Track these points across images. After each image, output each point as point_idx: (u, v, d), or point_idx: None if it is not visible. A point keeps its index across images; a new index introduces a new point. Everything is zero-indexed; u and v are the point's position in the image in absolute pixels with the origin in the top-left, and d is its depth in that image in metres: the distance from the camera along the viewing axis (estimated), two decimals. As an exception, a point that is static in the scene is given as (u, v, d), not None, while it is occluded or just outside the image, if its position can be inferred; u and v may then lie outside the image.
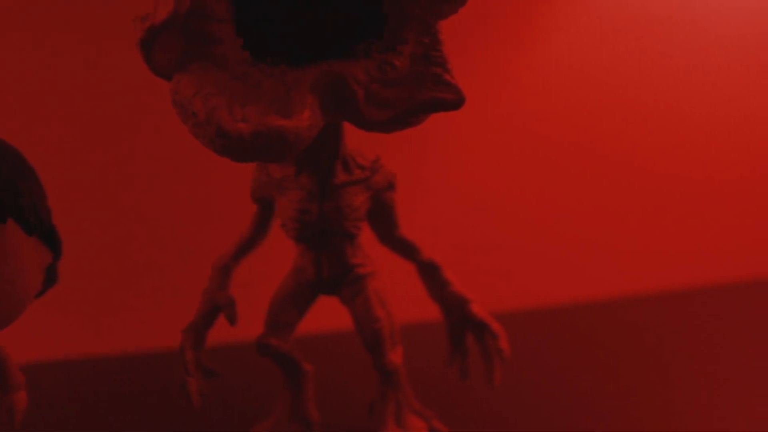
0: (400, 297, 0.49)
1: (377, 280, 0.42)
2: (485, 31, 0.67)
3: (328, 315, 0.49)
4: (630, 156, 0.71)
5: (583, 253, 0.71)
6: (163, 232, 0.63)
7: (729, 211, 0.75)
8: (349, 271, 0.41)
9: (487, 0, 0.66)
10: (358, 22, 0.37)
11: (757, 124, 0.74)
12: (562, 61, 0.69)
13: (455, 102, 0.35)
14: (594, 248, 0.72)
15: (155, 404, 0.51)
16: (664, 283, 0.72)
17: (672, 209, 0.73)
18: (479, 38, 0.67)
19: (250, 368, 0.51)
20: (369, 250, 0.43)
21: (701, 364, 0.55)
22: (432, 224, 0.68)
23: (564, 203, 0.71)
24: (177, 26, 0.34)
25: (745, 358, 0.55)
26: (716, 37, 0.71)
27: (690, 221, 0.74)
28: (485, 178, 0.69)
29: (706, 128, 0.73)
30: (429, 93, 0.35)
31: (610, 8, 0.68)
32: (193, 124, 0.35)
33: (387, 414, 0.43)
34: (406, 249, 0.44)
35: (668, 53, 0.71)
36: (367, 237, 0.44)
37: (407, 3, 0.36)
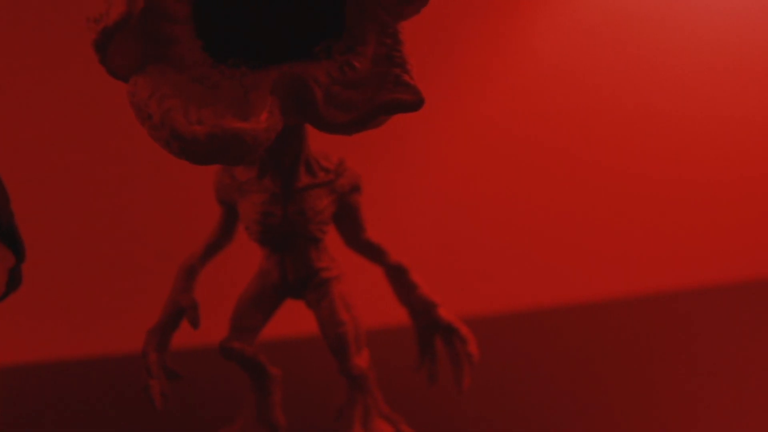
0: (371, 300, 0.49)
1: (342, 284, 0.42)
2: (466, 30, 0.67)
3: (297, 318, 0.49)
4: (612, 157, 0.71)
5: (564, 256, 0.71)
6: (137, 234, 0.63)
7: (713, 213, 0.74)
8: (314, 275, 0.41)
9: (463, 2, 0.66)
10: (320, 23, 0.37)
11: (744, 126, 0.74)
12: (545, 61, 0.68)
13: (414, 103, 0.35)
14: (575, 251, 0.72)
15: (120, 407, 0.51)
16: (646, 286, 0.72)
17: (655, 211, 0.73)
18: (460, 38, 0.67)
19: (218, 372, 0.51)
20: (337, 253, 0.43)
21: (681, 368, 0.55)
22: (411, 226, 0.68)
23: (544, 205, 0.70)
24: (132, 27, 0.34)
25: (727, 361, 0.55)
26: (702, 36, 0.71)
27: (674, 223, 0.74)
28: (465, 179, 0.69)
29: (691, 129, 0.73)
30: (388, 94, 0.35)
31: (593, 9, 0.68)
32: (150, 127, 0.35)
33: (354, 418, 0.43)
34: (373, 252, 0.43)
35: (653, 53, 0.70)
36: (334, 240, 0.44)
37: (369, 4, 0.36)
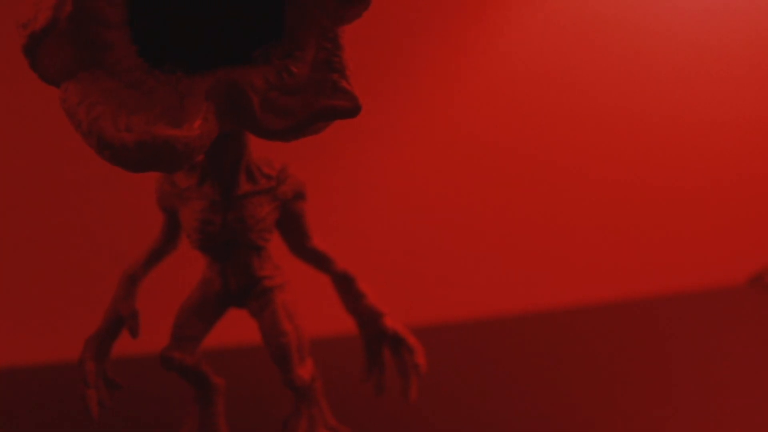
0: (322, 307, 0.49)
1: (286, 293, 0.42)
2: (432, 30, 0.67)
3: (244, 327, 0.49)
4: (583, 161, 0.72)
5: (533, 262, 0.72)
6: (88, 240, 0.64)
7: (684, 219, 0.75)
8: (257, 284, 0.42)
9: (430, 3, 0.66)
10: (259, 27, 0.38)
11: (722, 129, 0.74)
12: (513, 62, 0.69)
13: (351, 110, 0.36)
14: (544, 257, 0.72)
15: (61, 417, 0.52)
16: (616, 292, 0.72)
17: (627, 216, 0.73)
18: (426, 38, 0.67)
19: (164, 381, 0.51)
20: (286, 260, 0.44)
21: (654, 376, 0.55)
22: (377, 232, 0.68)
23: (512, 210, 0.71)
24: (62, 32, 0.35)
25: (704, 366, 0.56)
26: (677, 36, 0.71)
27: (647, 229, 0.74)
28: (432, 184, 0.69)
29: (665, 132, 0.73)
30: (325, 100, 0.36)
31: (563, 9, 0.69)
32: (81, 134, 0.35)
33: (298, 430, 0.43)
34: (318, 260, 0.44)
35: (625, 54, 0.71)
36: (282, 247, 0.44)
37: (309, 8, 0.37)
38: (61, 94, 0.36)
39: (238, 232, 0.40)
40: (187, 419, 0.44)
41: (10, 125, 0.61)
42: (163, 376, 0.49)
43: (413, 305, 0.63)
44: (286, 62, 0.37)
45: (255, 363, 0.56)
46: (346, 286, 0.44)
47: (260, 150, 0.52)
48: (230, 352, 0.58)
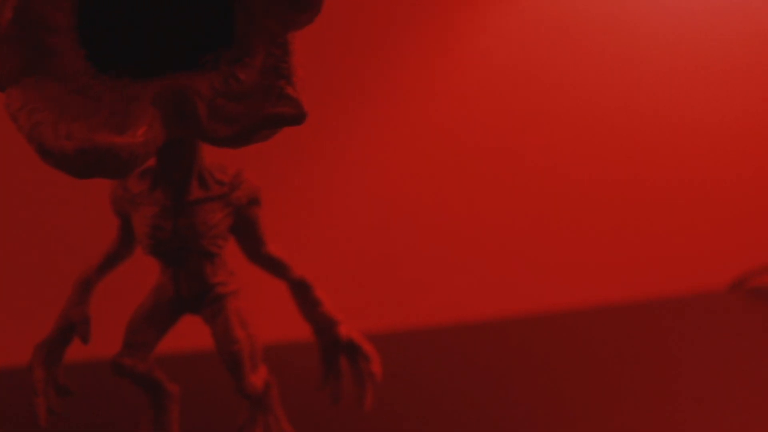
0: (283, 313, 0.50)
1: (239, 300, 0.43)
2: (411, 27, 0.67)
3: (200, 333, 0.50)
4: (564, 162, 0.72)
5: (507, 265, 0.72)
6: (60, 242, 0.64)
7: (665, 225, 0.75)
8: (209, 291, 0.42)
9: (409, 1, 0.66)
10: (209, 32, 0.38)
11: (699, 132, 0.74)
12: (485, 65, 0.69)
13: (295, 117, 0.36)
14: (518, 260, 0.72)
15: (14, 422, 0.52)
16: (592, 298, 0.73)
17: (603, 221, 0.74)
18: (404, 35, 0.67)
19: (118, 387, 0.52)
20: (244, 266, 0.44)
21: (629, 382, 0.55)
22: (349, 235, 0.68)
23: (486, 212, 0.71)
24: (5, 39, 0.35)
25: (680, 373, 0.56)
26: (660, 35, 0.71)
27: (622, 234, 0.74)
28: (411, 186, 0.69)
29: (641, 136, 0.73)
30: (270, 108, 0.36)
31: (540, 9, 0.69)
32: (25, 139, 0.36)
33: (254, 438, 0.44)
34: (275, 267, 0.44)
35: (608, 52, 0.71)
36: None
37: (259, 14, 0.37)
38: (6, 99, 0.36)
39: (189, 239, 0.40)
40: (141, 426, 0.45)
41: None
42: (117, 382, 0.50)
43: (386, 310, 0.63)
44: (234, 68, 0.37)
45: (211, 369, 0.57)
46: (302, 292, 0.45)
47: (233, 154, 0.53)
48: (186, 358, 0.58)
